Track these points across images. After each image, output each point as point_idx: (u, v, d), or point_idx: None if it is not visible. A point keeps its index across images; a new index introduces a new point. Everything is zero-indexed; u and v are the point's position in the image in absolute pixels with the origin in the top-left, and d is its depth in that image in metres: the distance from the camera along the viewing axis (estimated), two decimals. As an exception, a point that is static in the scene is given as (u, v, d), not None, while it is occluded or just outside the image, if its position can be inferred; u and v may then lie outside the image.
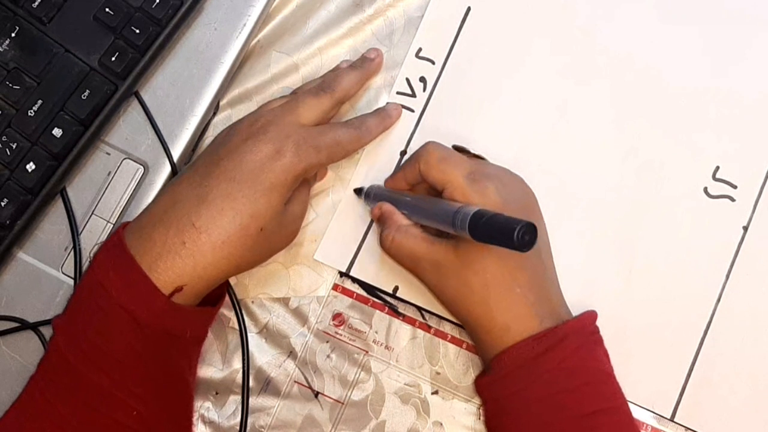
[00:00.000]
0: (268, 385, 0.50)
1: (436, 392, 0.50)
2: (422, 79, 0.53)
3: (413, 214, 0.48)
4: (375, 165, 0.52)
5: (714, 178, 0.51)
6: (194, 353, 0.47)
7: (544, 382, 0.44)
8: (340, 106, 0.51)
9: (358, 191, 0.52)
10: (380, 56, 0.53)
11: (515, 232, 0.38)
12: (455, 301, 0.46)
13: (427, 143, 0.48)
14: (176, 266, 0.43)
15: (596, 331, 0.46)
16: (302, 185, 0.49)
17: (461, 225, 0.42)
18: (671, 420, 0.49)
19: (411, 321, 0.51)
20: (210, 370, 0.50)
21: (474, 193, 0.45)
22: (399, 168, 0.51)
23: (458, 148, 0.51)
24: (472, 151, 0.51)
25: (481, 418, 0.49)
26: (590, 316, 0.46)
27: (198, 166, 0.46)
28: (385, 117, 0.52)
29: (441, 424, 0.50)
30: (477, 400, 0.50)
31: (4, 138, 0.49)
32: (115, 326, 0.43)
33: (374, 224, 0.51)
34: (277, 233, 0.47)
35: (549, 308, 0.45)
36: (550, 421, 0.43)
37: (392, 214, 0.48)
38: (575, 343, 0.44)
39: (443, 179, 0.46)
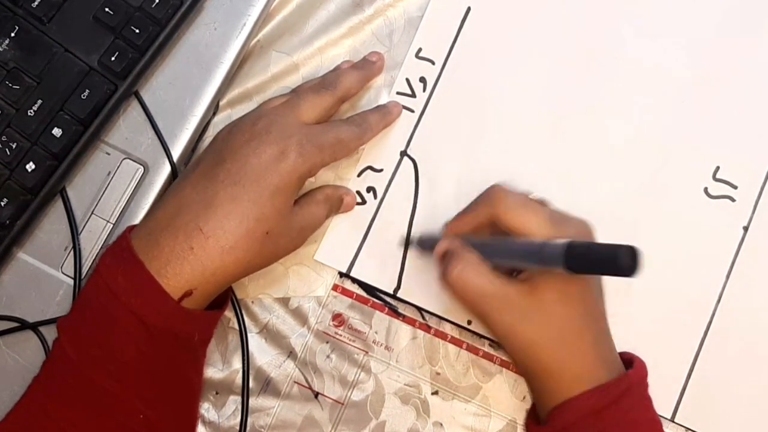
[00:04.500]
0: (268, 386, 0.50)
1: (436, 392, 0.50)
2: (422, 79, 0.53)
3: (484, 254, 0.45)
4: (375, 165, 0.52)
5: (714, 178, 0.51)
6: (201, 356, 0.47)
7: None
8: (341, 104, 0.51)
9: (410, 244, 0.50)
10: (381, 59, 0.53)
11: (620, 257, 0.37)
12: (525, 345, 0.45)
13: (496, 188, 0.47)
14: (185, 271, 0.43)
15: (647, 380, 0.46)
16: (320, 204, 0.49)
17: (550, 256, 0.40)
18: (671, 420, 0.49)
19: (411, 321, 0.51)
20: (210, 370, 0.50)
21: (557, 236, 0.43)
22: (461, 213, 0.49)
23: None
24: (534, 196, 0.49)
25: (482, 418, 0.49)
26: (644, 366, 0.46)
27: (201, 168, 0.46)
28: (386, 114, 0.52)
29: (441, 425, 0.50)
30: (477, 400, 0.50)
31: (4, 138, 0.49)
32: (123, 330, 0.43)
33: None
34: (284, 236, 0.46)
35: (611, 357, 0.45)
36: None
37: (461, 249, 0.46)
38: (637, 395, 0.44)
39: (525, 224, 0.44)
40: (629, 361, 0.46)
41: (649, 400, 0.45)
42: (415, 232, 0.51)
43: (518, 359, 0.46)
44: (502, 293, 0.44)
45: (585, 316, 0.44)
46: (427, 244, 0.49)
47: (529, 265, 0.43)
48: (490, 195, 0.47)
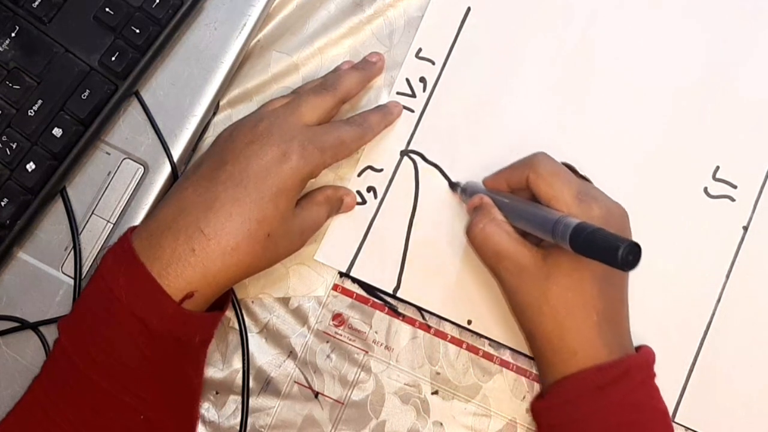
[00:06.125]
0: (268, 385, 0.50)
1: (436, 392, 0.50)
2: (422, 80, 0.53)
3: (510, 215, 0.47)
4: (375, 165, 0.52)
5: (714, 178, 0.51)
6: (201, 357, 0.47)
7: (605, 415, 0.43)
8: (342, 105, 0.51)
9: (453, 186, 0.51)
10: (382, 60, 0.53)
11: (620, 250, 0.38)
12: (528, 310, 0.45)
13: (539, 154, 0.48)
14: (186, 273, 0.43)
15: (653, 367, 0.46)
16: (321, 206, 0.49)
17: (562, 234, 0.41)
18: (671, 420, 0.49)
19: (411, 321, 0.51)
20: (210, 370, 0.50)
21: (579, 213, 0.44)
22: (502, 170, 0.50)
23: (566, 166, 0.49)
24: (580, 172, 0.50)
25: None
26: (650, 353, 0.46)
27: (203, 170, 0.46)
28: (386, 114, 0.52)
29: (441, 424, 0.50)
30: (477, 400, 0.50)
31: (4, 138, 0.49)
32: (124, 332, 0.43)
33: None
34: (285, 238, 0.46)
35: (618, 340, 0.45)
36: None
37: (491, 207, 0.48)
38: (638, 379, 0.44)
39: (551, 193, 0.45)
40: (638, 350, 0.47)
41: (654, 388, 0.45)
42: (460, 179, 0.51)
43: (522, 321, 0.47)
44: (517, 254, 0.45)
45: (594, 295, 0.44)
46: (468, 192, 0.50)
47: (544, 235, 0.44)
48: (530, 158, 0.48)
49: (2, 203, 0.48)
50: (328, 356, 0.51)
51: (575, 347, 0.44)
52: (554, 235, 0.42)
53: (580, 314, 0.44)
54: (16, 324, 0.50)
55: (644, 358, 0.45)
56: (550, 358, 0.45)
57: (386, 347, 0.51)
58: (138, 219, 0.50)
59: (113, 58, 0.50)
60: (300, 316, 0.51)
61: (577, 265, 0.44)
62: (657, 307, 0.50)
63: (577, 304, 0.44)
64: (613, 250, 0.38)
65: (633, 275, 0.50)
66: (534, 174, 0.46)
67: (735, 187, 0.51)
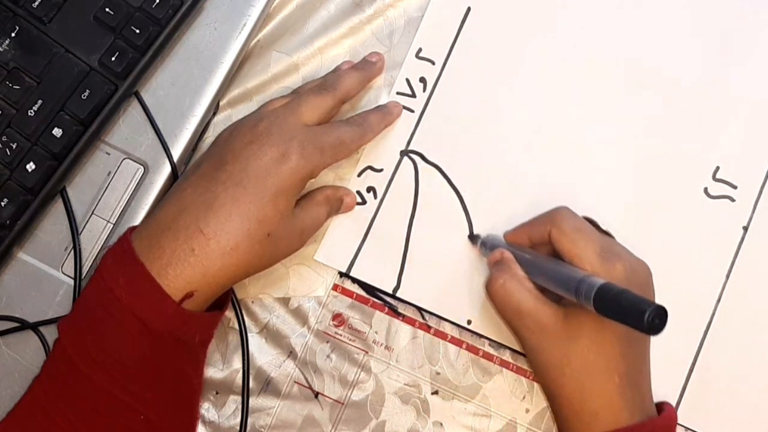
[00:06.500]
0: (268, 385, 0.50)
1: (436, 392, 0.50)
2: (422, 80, 0.53)
3: (531, 271, 0.46)
4: (375, 165, 0.52)
5: (714, 178, 0.51)
6: (201, 357, 0.47)
7: None
8: (341, 105, 0.51)
9: (473, 238, 0.50)
10: (382, 60, 0.53)
11: (646, 314, 0.36)
12: (550, 371, 0.44)
13: (561, 208, 0.47)
14: (186, 273, 0.43)
15: (675, 430, 0.45)
16: (321, 206, 0.49)
17: (586, 294, 0.40)
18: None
19: (411, 321, 0.51)
20: (210, 370, 0.50)
21: (603, 271, 0.43)
22: (523, 224, 0.49)
23: (588, 220, 0.48)
24: (601, 227, 0.49)
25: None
26: (672, 415, 0.45)
27: (203, 170, 0.46)
28: (386, 114, 0.52)
29: (441, 424, 0.50)
30: (477, 400, 0.50)
31: (4, 138, 0.49)
32: (124, 332, 0.43)
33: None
34: (285, 238, 0.46)
35: (640, 402, 0.44)
36: None
37: (512, 262, 0.46)
38: None
39: (575, 251, 0.44)
40: (660, 409, 0.46)
41: None
42: (480, 231, 0.51)
43: (543, 381, 0.46)
44: (537, 313, 0.44)
45: (616, 357, 0.43)
46: (488, 246, 0.49)
47: (567, 294, 0.42)
48: (552, 213, 0.47)
49: (2, 203, 0.48)
50: (328, 356, 0.51)
51: (596, 409, 0.43)
52: (577, 295, 0.41)
53: (602, 377, 0.43)
54: (16, 324, 0.50)
55: (666, 421, 0.45)
56: (572, 420, 0.44)
57: (386, 347, 0.51)
58: (138, 219, 0.50)
59: (113, 58, 0.50)
60: (300, 316, 0.51)
61: (600, 327, 0.43)
62: (657, 307, 0.50)
63: (599, 366, 0.43)
64: (639, 314, 0.37)
65: (633, 275, 0.50)
66: (557, 230, 0.45)
67: (735, 187, 0.51)
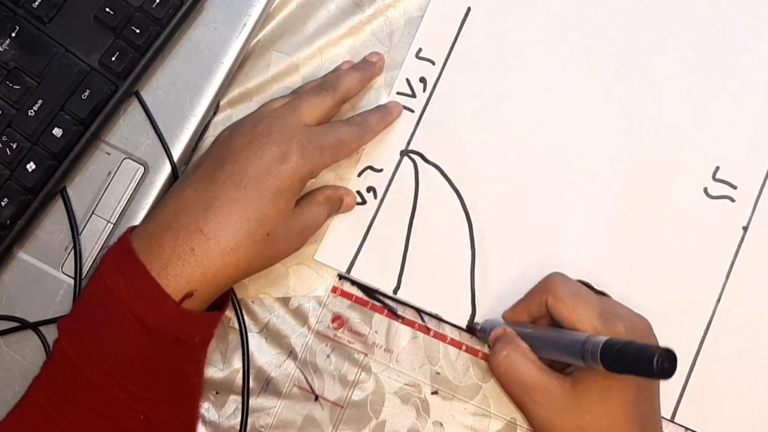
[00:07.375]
0: (268, 385, 0.50)
1: (436, 392, 0.50)
2: (422, 80, 0.53)
3: (534, 345, 0.45)
4: (375, 165, 0.52)
5: (714, 178, 0.51)
6: (201, 356, 0.47)
7: None
8: (342, 105, 0.51)
9: (471, 329, 0.50)
10: (382, 60, 0.53)
11: (655, 360, 0.36)
12: None
13: (554, 275, 0.47)
14: (186, 273, 0.43)
15: None
16: (321, 206, 0.49)
17: (592, 353, 0.40)
18: (671, 421, 0.49)
19: (410, 323, 0.51)
20: (210, 369, 0.50)
21: (605, 332, 0.42)
22: (519, 301, 0.49)
23: (583, 283, 0.48)
24: (596, 287, 0.49)
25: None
26: None
27: (202, 169, 0.46)
28: (386, 114, 0.52)
29: (441, 424, 0.50)
30: (477, 400, 0.50)
31: (4, 138, 0.49)
32: (124, 332, 0.43)
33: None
34: (285, 238, 0.46)
35: None
36: None
37: (513, 336, 0.46)
38: None
39: (575, 317, 0.44)
40: None
41: None
42: (479, 317, 0.50)
43: None
44: (543, 386, 0.44)
45: (628, 419, 0.42)
46: (487, 331, 0.48)
47: (574, 360, 0.42)
48: (546, 282, 0.47)
49: (2, 203, 0.48)
50: (328, 356, 0.51)
51: None
52: (584, 356, 0.40)
53: None
54: (16, 324, 0.50)
55: None
56: None
57: (386, 349, 0.51)
58: (138, 219, 0.50)
59: (113, 58, 0.50)
60: (300, 316, 0.51)
61: (608, 393, 0.42)
62: (657, 308, 0.50)
63: (614, 429, 0.42)
64: (647, 362, 0.36)
65: (633, 275, 0.50)
66: (553, 298, 0.45)
67: (735, 187, 0.51)
